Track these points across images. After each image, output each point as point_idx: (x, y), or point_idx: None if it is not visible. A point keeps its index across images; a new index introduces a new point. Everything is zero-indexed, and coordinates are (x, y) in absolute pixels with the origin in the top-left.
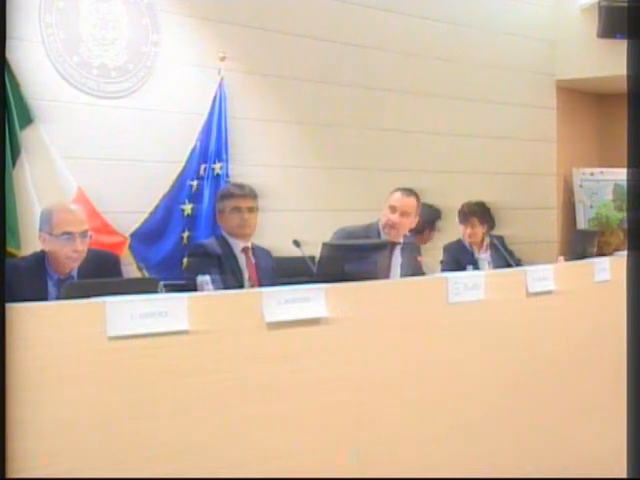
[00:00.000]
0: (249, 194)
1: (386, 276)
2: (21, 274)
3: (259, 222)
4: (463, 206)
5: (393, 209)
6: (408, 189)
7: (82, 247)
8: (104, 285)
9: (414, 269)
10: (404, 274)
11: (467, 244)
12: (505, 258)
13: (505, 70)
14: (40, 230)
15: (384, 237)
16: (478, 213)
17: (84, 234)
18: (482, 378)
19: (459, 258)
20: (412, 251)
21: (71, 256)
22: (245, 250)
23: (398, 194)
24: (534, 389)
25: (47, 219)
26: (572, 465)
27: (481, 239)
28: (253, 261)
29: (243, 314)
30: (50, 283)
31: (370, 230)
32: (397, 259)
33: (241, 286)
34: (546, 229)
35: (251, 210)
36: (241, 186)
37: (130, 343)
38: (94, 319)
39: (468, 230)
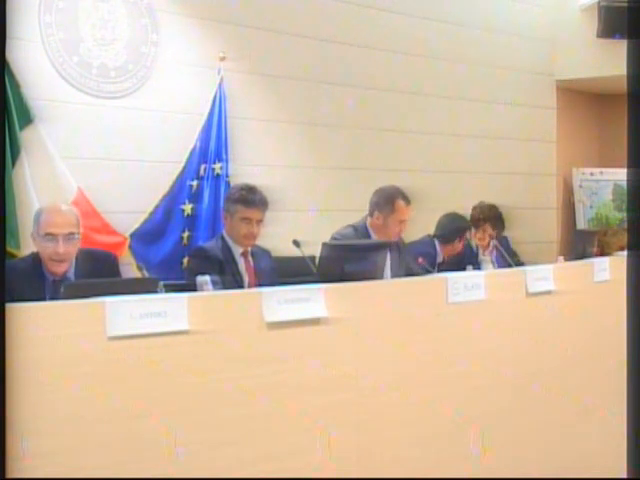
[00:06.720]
0: (261, 205)
1: (380, 276)
2: (19, 275)
3: None
4: (475, 211)
5: (402, 222)
6: (403, 195)
7: (65, 250)
8: (104, 285)
9: (406, 270)
10: (394, 274)
11: (473, 245)
12: (509, 259)
13: (505, 70)
14: (32, 230)
15: (374, 237)
16: (491, 219)
17: (69, 237)
18: (482, 378)
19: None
20: (399, 251)
21: (53, 258)
22: (244, 254)
23: (401, 204)
24: (534, 389)
25: (37, 219)
26: (572, 465)
27: (489, 241)
28: (252, 265)
29: (243, 314)
30: (46, 284)
31: (358, 231)
32: (387, 259)
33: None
34: (546, 229)
35: (259, 222)
36: (253, 192)
37: (130, 343)
38: (94, 319)
39: (479, 234)
